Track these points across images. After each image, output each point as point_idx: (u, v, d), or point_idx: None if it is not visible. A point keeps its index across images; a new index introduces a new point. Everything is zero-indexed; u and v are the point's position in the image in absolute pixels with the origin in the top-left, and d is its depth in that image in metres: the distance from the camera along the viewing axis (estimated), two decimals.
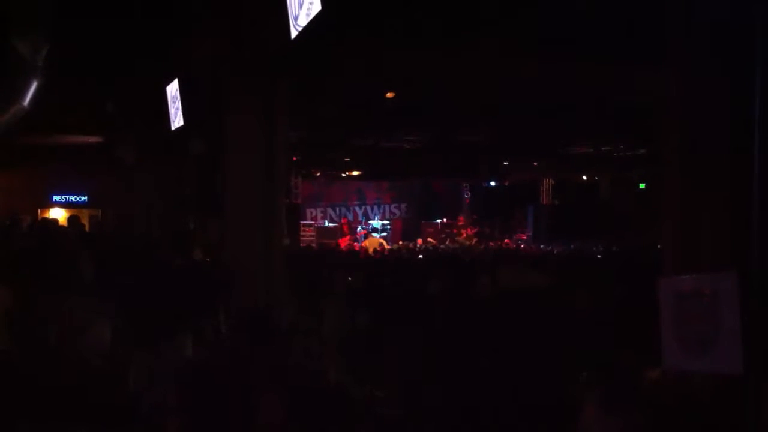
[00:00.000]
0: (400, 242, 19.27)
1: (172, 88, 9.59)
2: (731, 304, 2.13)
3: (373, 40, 6.53)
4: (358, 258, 10.90)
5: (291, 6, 5.02)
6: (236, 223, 5.78)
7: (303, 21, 4.86)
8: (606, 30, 6.47)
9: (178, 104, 9.35)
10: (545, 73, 8.88)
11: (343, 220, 22.30)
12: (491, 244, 19.24)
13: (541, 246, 18.86)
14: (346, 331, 4.53)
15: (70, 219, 10.38)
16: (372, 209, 23.33)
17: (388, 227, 22.40)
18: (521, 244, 20.34)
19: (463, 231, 21.29)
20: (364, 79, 9.60)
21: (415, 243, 19.57)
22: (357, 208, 23.27)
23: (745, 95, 2.31)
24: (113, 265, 5.42)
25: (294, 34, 4.99)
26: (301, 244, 18.42)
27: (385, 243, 18.78)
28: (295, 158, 16.60)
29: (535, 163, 19.85)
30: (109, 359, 3.06)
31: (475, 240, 20.29)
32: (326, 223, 22.31)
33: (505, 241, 20.23)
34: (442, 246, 19.02)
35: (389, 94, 10.60)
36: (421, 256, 13.93)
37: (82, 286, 4.79)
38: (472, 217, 22.52)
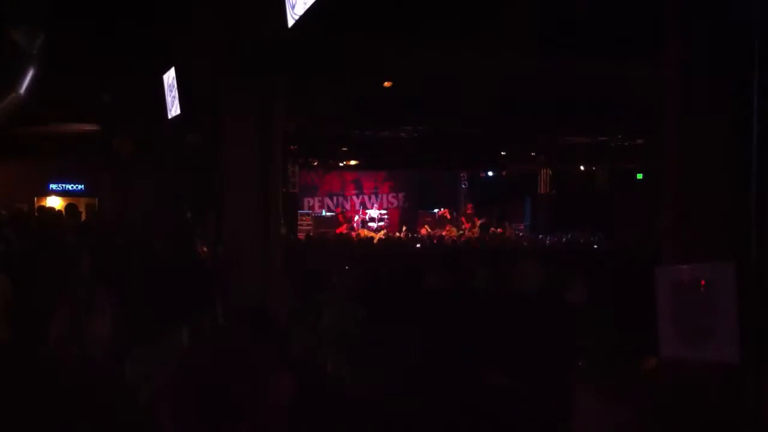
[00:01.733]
0: (402, 234, 19.20)
1: (169, 77, 9.54)
2: (729, 293, 2.14)
3: (372, 35, 6.50)
4: (357, 253, 10.93)
5: None
6: (234, 217, 5.77)
7: (300, 9, 4.82)
8: (605, 28, 6.47)
9: (175, 92, 9.30)
10: (544, 71, 8.90)
11: (337, 210, 22.26)
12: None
13: (540, 236, 18.88)
14: (345, 326, 4.54)
15: (67, 208, 10.38)
16: (370, 198, 23.28)
17: (386, 217, 22.39)
18: (520, 233, 20.36)
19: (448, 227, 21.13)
20: (363, 74, 9.58)
21: (418, 232, 19.61)
22: (354, 198, 23.22)
23: (743, 93, 2.33)
24: (111, 258, 5.41)
25: (291, 22, 4.95)
26: (299, 234, 18.44)
27: (379, 234, 18.84)
28: (292, 147, 16.56)
29: (533, 153, 19.84)
30: (108, 353, 3.05)
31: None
32: (324, 213, 22.30)
33: (498, 230, 20.19)
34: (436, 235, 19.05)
35: (387, 84, 10.60)
36: (419, 245, 13.96)
37: (81, 279, 4.78)
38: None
